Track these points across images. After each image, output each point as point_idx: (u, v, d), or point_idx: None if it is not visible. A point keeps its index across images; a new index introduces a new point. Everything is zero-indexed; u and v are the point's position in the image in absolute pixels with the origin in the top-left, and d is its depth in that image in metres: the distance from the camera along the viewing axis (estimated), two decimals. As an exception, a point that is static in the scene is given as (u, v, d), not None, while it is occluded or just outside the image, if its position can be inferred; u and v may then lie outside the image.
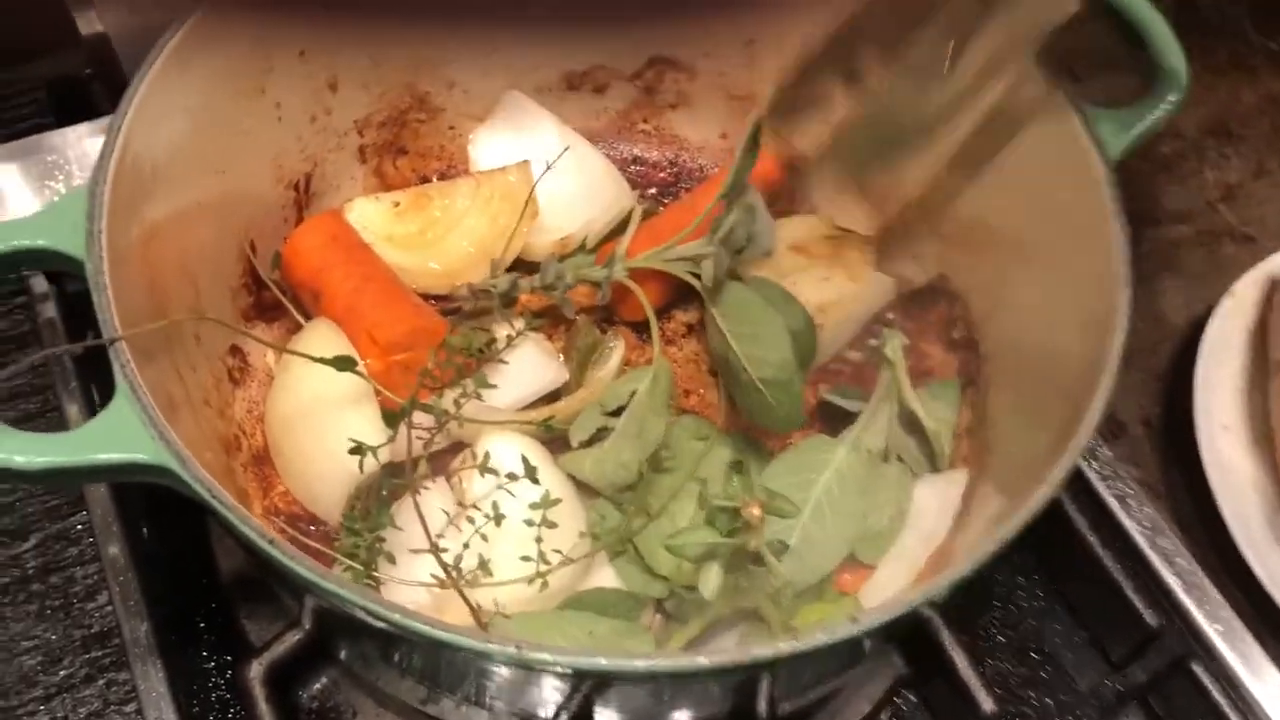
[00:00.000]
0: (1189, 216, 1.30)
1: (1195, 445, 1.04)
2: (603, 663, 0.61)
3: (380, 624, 0.62)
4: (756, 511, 0.70)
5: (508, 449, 0.86)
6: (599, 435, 0.91)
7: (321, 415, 0.87)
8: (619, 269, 0.95)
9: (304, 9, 0.93)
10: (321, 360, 0.80)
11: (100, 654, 0.93)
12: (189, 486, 0.64)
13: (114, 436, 0.65)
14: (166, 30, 0.84)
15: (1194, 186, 1.32)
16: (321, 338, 0.91)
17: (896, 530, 0.92)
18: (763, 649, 0.62)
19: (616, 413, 0.92)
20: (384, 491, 0.84)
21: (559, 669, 0.61)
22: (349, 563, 0.80)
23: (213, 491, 0.63)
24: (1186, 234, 1.29)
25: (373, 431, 0.86)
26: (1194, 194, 1.32)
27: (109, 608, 0.93)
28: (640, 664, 0.63)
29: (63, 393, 0.99)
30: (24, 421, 1.04)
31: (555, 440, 0.92)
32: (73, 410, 0.97)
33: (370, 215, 1.00)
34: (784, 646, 0.61)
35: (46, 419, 1.04)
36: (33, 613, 0.95)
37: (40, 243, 0.72)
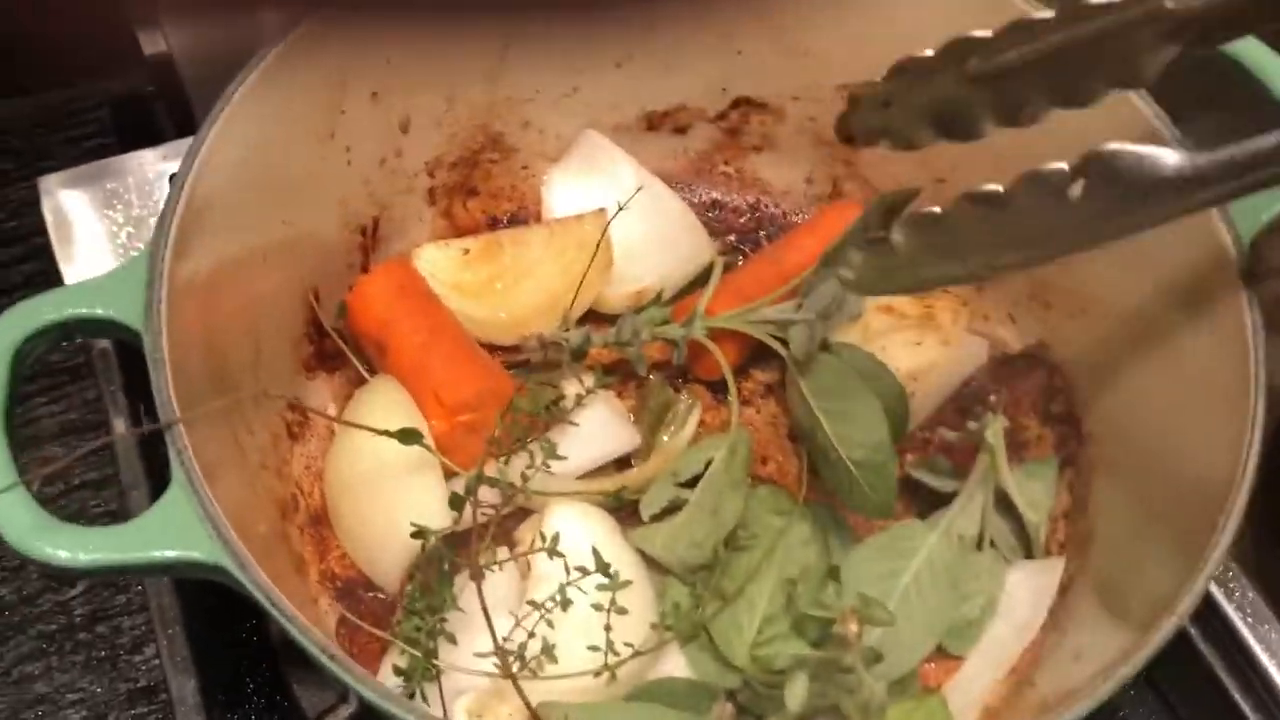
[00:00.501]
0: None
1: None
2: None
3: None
4: (854, 628, 0.65)
5: (576, 525, 0.82)
6: (671, 508, 0.87)
7: (382, 482, 0.83)
8: (698, 327, 0.90)
9: (380, 47, 0.88)
10: (385, 433, 0.76)
11: (145, 710, 0.91)
12: (245, 588, 0.60)
13: (168, 532, 0.61)
14: (230, 50, 0.80)
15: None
16: (386, 397, 0.87)
17: (987, 620, 0.86)
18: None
19: (691, 483, 0.87)
20: (445, 566, 0.80)
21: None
22: (408, 649, 0.75)
23: (271, 598, 0.59)
24: (1294, 291, 1.21)
25: (435, 503, 0.82)
26: (1305, 248, 1.24)
27: (156, 661, 0.91)
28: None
29: (115, 427, 0.97)
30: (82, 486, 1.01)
31: (625, 511, 0.87)
32: (123, 447, 0.93)
33: (439, 262, 0.95)
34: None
35: (99, 456, 1.01)
36: (79, 663, 0.92)
37: (98, 311, 0.68)
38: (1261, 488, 1.05)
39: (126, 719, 0.90)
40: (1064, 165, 0.61)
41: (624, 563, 0.81)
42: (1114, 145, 0.60)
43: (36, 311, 0.67)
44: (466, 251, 0.95)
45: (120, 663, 0.93)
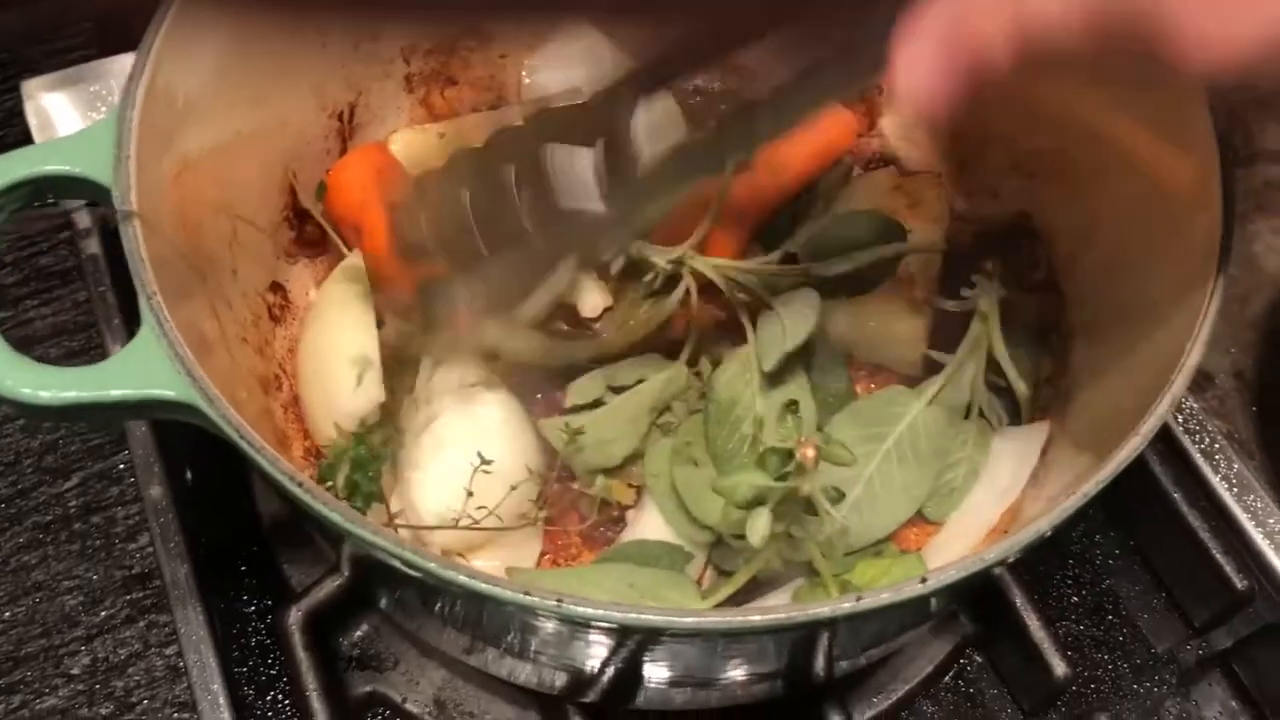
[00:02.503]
0: (1288, 155, 1.22)
1: (1289, 399, 0.97)
2: (648, 618, 0.56)
3: (416, 574, 0.58)
4: (810, 453, 0.65)
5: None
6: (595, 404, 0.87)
7: (328, 354, 0.85)
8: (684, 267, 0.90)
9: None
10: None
11: (141, 595, 0.92)
12: (216, 425, 0.61)
13: (138, 371, 0.61)
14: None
15: (1294, 123, 1.24)
16: (349, 275, 0.88)
17: (969, 486, 0.87)
18: (820, 607, 0.58)
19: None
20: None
21: (604, 625, 0.57)
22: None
23: (241, 431, 0.60)
24: (1284, 174, 1.20)
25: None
26: (1294, 131, 1.23)
27: (150, 549, 0.92)
28: (688, 620, 0.59)
29: (106, 330, 0.98)
30: (67, 359, 1.02)
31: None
32: (115, 348, 0.95)
33: (414, 144, 0.95)
34: (844, 605, 0.57)
35: (90, 355, 1.02)
36: (74, 552, 0.93)
37: (67, 168, 0.68)
38: (1254, 368, 1.07)
39: (122, 603, 0.91)
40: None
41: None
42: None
43: (6, 169, 0.67)
44: (441, 135, 0.95)
45: (115, 550, 0.94)
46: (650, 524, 0.83)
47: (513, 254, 0.74)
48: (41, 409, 0.61)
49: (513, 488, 0.81)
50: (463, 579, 0.56)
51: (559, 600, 0.55)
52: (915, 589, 0.57)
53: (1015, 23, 0.51)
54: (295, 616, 0.84)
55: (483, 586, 0.56)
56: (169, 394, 0.61)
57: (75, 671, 0.88)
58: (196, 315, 0.74)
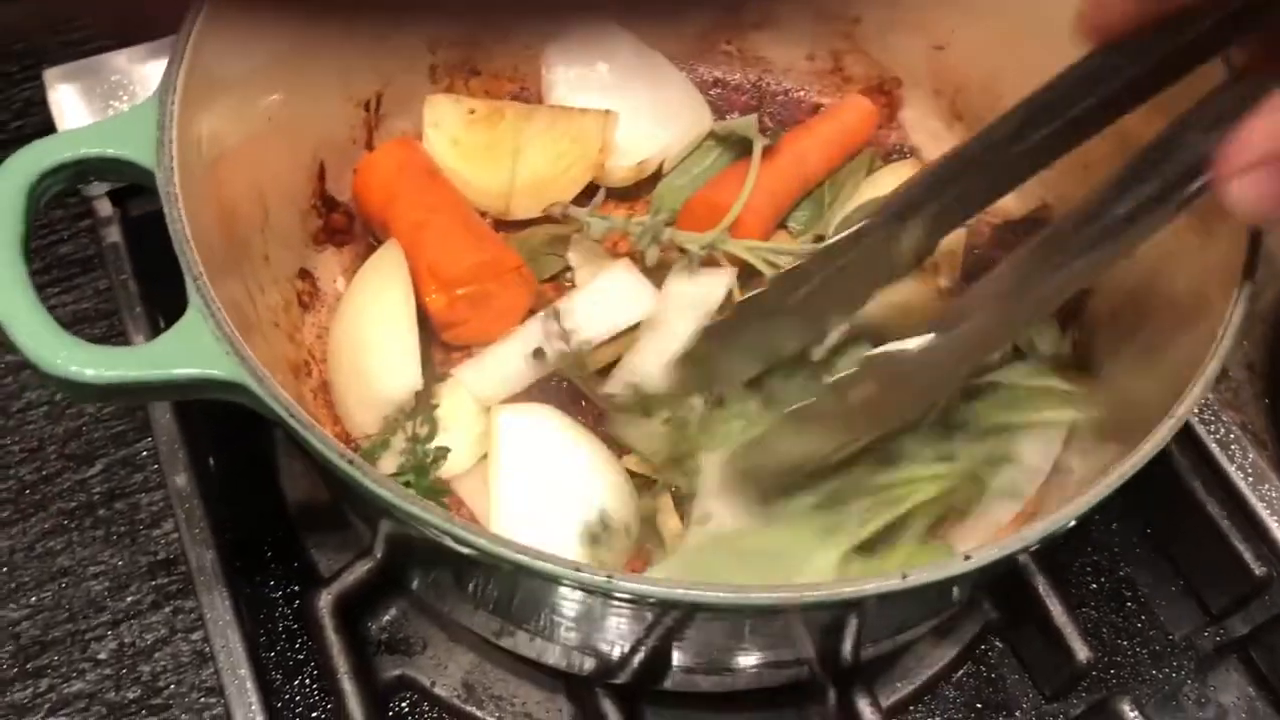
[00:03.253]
0: (1299, 149, 1.23)
1: (1303, 391, 0.98)
2: (697, 594, 0.57)
3: (465, 549, 0.58)
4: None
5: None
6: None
7: (363, 344, 0.85)
8: (717, 246, 0.91)
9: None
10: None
11: (166, 581, 0.92)
12: (265, 404, 0.61)
13: (188, 351, 0.62)
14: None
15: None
16: (386, 266, 0.88)
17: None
18: (865, 584, 0.59)
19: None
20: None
21: (651, 600, 0.58)
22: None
23: (290, 410, 0.60)
24: (1298, 166, 1.21)
25: (406, 366, 0.85)
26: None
27: (175, 535, 0.92)
28: (728, 595, 0.59)
29: (128, 318, 0.98)
30: (90, 347, 1.03)
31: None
32: (138, 337, 0.95)
33: (446, 114, 0.96)
34: (889, 583, 0.58)
35: (112, 343, 1.01)
36: (99, 538, 0.93)
37: (110, 151, 0.69)
38: (1267, 360, 1.08)
39: (148, 588, 0.92)
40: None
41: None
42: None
43: (50, 151, 0.67)
44: (472, 112, 0.96)
45: (140, 537, 0.94)
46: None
47: None
48: (89, 387, 0.61)
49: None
50: (519, 557, 0.56)
51: (609, 577, 0.56)
52: (959, 566, 0.58)
53: None
54: (325, 600, 0.84)
55: (538, 564, 0.56)
56: (218, 373, 0.62)
57: (102, 656, 0.89)
58: (235, 297, 0.75)
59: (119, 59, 1.06)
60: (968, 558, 0.58)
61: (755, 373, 0.83)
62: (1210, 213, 0.77)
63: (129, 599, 0.91)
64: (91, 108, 1.03)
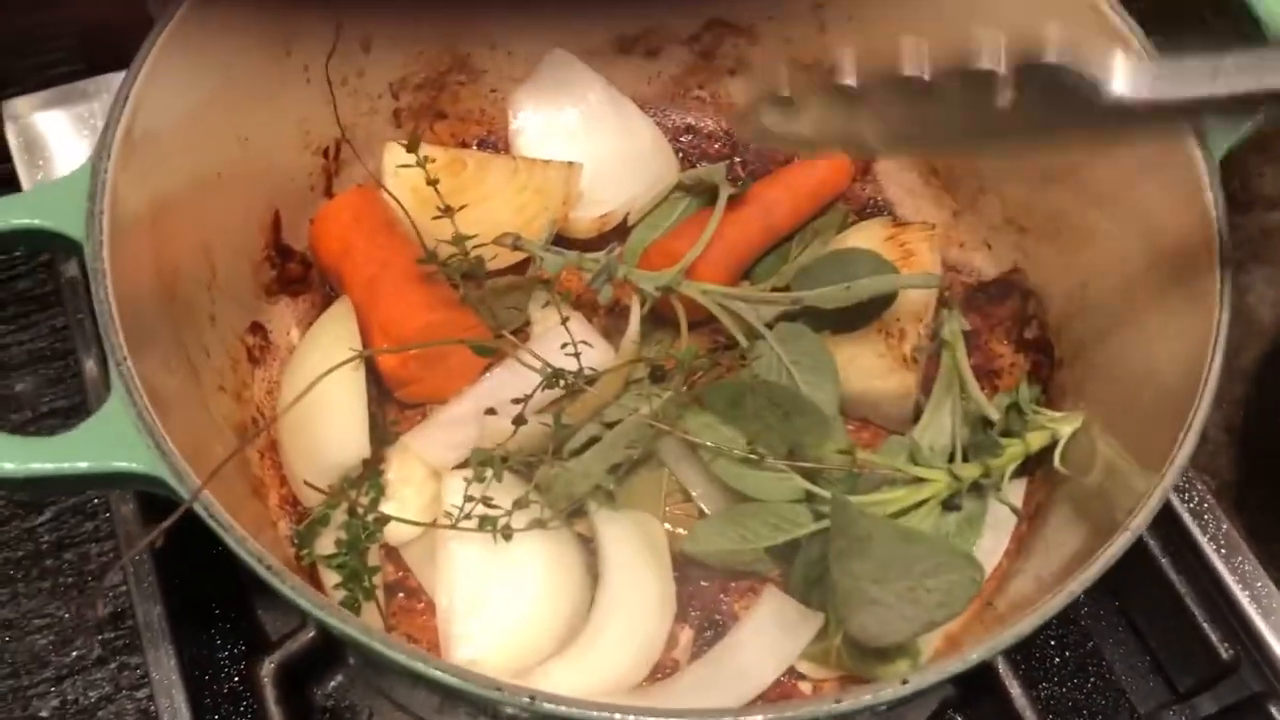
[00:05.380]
0: (1286, 202, 1.20)
1: (1280, 454, 0.96)
2: (619, 718, 0.55)
3: (382, 661, 0.56)
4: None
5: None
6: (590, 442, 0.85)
7: (313, 406, 0.82)
8: (674, 288, 0.88)
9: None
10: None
11: (113, 636, 0.91)
12: (183, 501, 0.59)
13: (106, 443, 0.60)
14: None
15: (1293, 169, 1.23)
16: (339, 322, 0.86)
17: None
18: (802, 709, 0.57)
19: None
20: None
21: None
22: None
23: (210, 509, 0.58)
24: (1281, 222, 1.19)
25: (353, 431, 0.82)
26: (1293, 177, 1.22)
27: (123, 588, 0.90)
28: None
29: (84, 357, 0.96)
30: (45, 387, 1.01)
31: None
32: (93, 375, 0.93)
33: (406, 159, 0.93)
34: (824, 708, 0.55)
35: (65, 384, 1.01)
36: (45, 589, 0.92)
37: (37, 222, 0.67)
38: (1246, 422, 1.06)
39: (93, 644, 0.90)
40: (999, 68, 0.58)
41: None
42: (1055, 59, 0.58)
43: (-25, 222, 0.65)
44: (433, 160, 0.93)
45: (87, 590, 0.92)
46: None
47: None
48: (7, 481, 0.59)
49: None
50: (435, 673, 0.54)
51: (531, 698, 0.54)
52: (896, 690, 0.56)
53: None
54: (268, 668, 0.82)
55: (453, 681, 0.54)
56: (136, 467, 0.60)
57: (44, 714, 0.87)
58: (170, 368, 0.73)
59: (88, 86, 1.05)
60: (905, 681, 0.56)
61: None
62: (1176, 272, 0.76)
63: (74, 654, 0.90)
64: (56, 140, 1.02)
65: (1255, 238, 1.18)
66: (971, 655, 0.58)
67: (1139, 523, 0.63)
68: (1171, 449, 0.66)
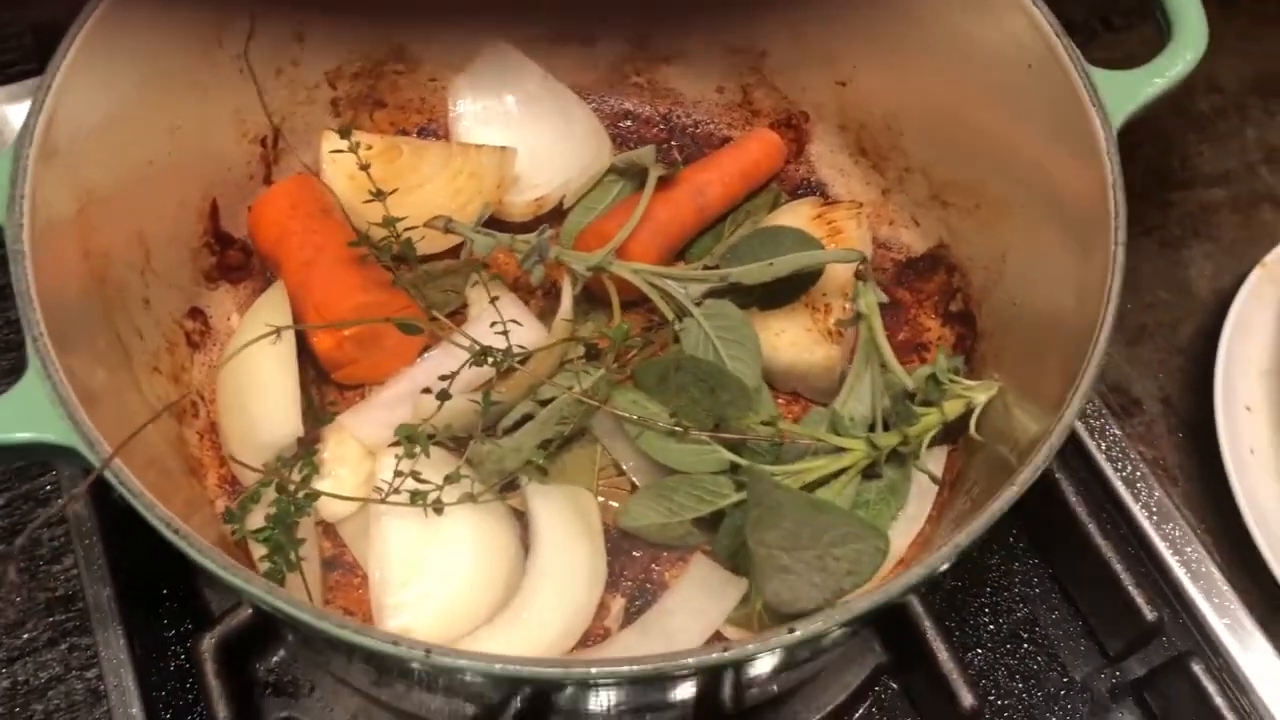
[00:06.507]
0: (1225, 179, 1.22)
1: (1215, 426, 0.97)
2: (520, 670, 0.57)
3: (295, 623, 0.58)
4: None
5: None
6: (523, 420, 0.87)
7: (248, 386, 0.85)
8: (604, 268, 0.90)
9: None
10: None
11: (64, 618, 0.92)
12: (95, 469, 0.61)
13: (22, 414, 0.62)
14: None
15: (1233, 147, 1.24)
16: (270, 308, 0.88)
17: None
18: (703, 654, 0.58)
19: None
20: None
21: (471, 674, 0.57)
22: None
23: (120, 477, 0.60)
24: (1221, 198, 1.21)
25: (285, 409, 0.84)
26: (1232, 154, 1.23)
27: (74, 571, 0.92)
28: (569, 671, 0.60)
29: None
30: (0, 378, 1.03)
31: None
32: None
33: (341, 146, 0.95)
34: (710, 656, 0.57)
35: (18, 376, 1.02)
36: (-3, 573, 0.93)
37: (-43, 206, 0.69)
38: (1180, 393, 1.08)
39: (45, 625, 0.92)
40: None
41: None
42: None
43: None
44: (370, 148, 0.95)
45: (39, 573, 0.94)
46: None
47: None
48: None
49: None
50: (335, 630, 0.56)
51: (427, 651, 0.56)
52: (782, 639, 0.58)
53: None
54: (208, 643, 0.83)
55: (352, 636, 0.56)
56: (49, 438, 0.62)
57: (-6, 695, 0.89)
58: (97, 349, 0.75)
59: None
60: (792, 630, 0.58)
61: None
62: (1083, 237, 0.77)
63: (25, 636, 0.91)
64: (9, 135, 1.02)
65: (1194, 213, 1.20)
66: (860, 605, 0.59)
67: (1026, 475, 0.64)
68: (1072, 392, 0.68)
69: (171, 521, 0.59)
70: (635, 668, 0.56)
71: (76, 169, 0.76)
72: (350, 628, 0.56)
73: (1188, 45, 0.80)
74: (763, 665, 0.73)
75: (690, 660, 0.56)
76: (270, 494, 0.81)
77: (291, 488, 0.80)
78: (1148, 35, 0.88)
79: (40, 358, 0.63)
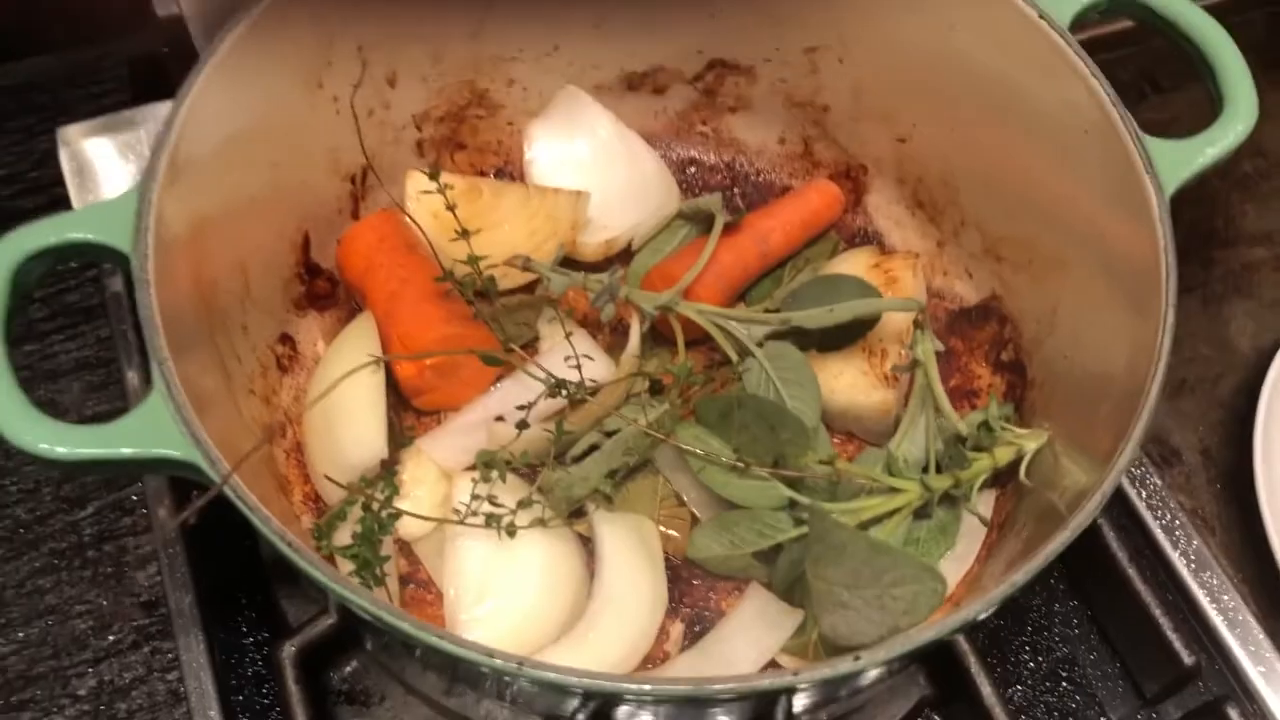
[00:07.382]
0: (1267, 239, 1.26)
1: (1253, 478, 1.01)
2: (605, 685, 0.61)
3: (389, 630, 0.63)
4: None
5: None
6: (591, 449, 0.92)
7: (335, 410, 0.90)
8: (671, 307, 0.95)
9: (365, 3, 0.94)
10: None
11: (147, 622, 0.97)
12: (214, 484, 0.66)
13: (147, 431, 0.67)
14: (235, 14, 0.85)
15: (1275, 207, 1.28)
16: (360, 334, 0.93)
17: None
18: (771, 679, 0.63)
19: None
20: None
21: (566, 687, 0.62)
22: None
23: (238, 491, 0.65)
24: (1263, 257, 1.24)
25: (372, 433, 0.89)
26: (1274, 215, 1.27)
27: (158, 578, 0.97)
28: (645, 687, 0.64)
29: (125, 365, 1.03)
30: (89, 392, 1.08)
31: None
32: (134, 383, 1.00)
33: (427, 186, 1.00)
34: (783, 679, 0.61)
35: (109, 390, 1.08)
36: (87, 578, 0.98)
37: (89, 237, 0.74)
38: (1220, 446, 1.11)
39: (130, 629, 0.97)
40: None
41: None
42: None
43: (34, 235, 0.73)
44: (452, 188, 1.00)
45: (125, 578, 0.99)
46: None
47: None
48: (57, 463, 0.66)
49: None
50: (433, 640, 0.61)
51: (520, 664, 0.60)
52: (850, 666, 0.62)
53: None
54: (289, 651, 0.88)
55: (450, 647, 0.61)
56: (174, 454, 0.67)
57: (82, 693, 0.94)
58: (205, 370, 0.80)
59: (135, 115, 1.11)
60: (857, 658, 0.62)
61: None
62: (1133, 296, 0.81)
63: (111, 638, 0.96)
64: (104, 167, 1.08)
65: (1237, 272, 1.23)
66: (921, 637, 0.63)
67: (1079, 520, 0.68)
68: (1120, 443, 0.72)
69: (285, 535, 0.64)
70: (734, 685, 0.61)
71: (191, 201, 0.81)
72: (477, 649, 0.60)
73: (1239, 117, 0.84)
74: (819, 693, 0.77)
75: (765, 682, 0.60)
76: (355, 513, 0.86)
77: (376, 507, 0.85)
78: (1194, 97, 0.92)
79: (165, 380, 0.68)
